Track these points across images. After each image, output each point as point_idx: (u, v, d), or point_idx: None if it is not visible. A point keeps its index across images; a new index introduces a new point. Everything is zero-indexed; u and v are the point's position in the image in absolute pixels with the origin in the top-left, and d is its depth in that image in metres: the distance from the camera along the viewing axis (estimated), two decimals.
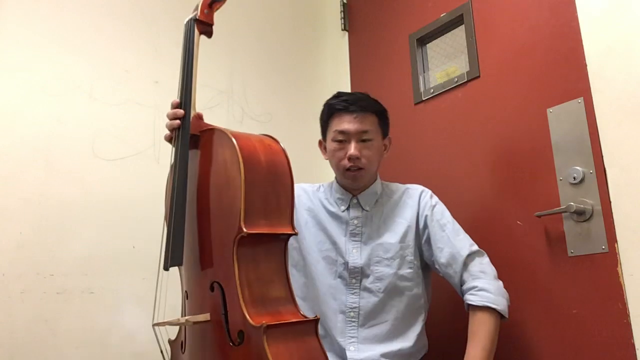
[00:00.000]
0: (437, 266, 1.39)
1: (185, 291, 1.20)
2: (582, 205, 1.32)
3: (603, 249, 1.29)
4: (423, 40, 1.91)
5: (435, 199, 1.46)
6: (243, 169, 1.05)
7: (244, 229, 1.01)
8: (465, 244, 1.37)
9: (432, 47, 1.89)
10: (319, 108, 1.48)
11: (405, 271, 1.38)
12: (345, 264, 1.39)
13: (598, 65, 1.34)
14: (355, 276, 1.38)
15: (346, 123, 1.38)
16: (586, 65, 1.36)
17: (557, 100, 1.42)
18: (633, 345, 1.21)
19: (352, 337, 1.35)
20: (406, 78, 1.92)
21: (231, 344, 1.01)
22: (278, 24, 2.23)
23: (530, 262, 1.45)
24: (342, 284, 1.38)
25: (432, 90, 1.83)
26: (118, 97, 1.74)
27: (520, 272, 1.45)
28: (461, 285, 1.34)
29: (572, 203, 1.33)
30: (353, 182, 1.42)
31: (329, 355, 1.25)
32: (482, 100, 1.65)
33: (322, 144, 1.50)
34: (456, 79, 1.74)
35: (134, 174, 1.72)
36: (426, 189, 1.48)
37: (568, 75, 1.41)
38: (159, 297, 1.21)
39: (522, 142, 1.51)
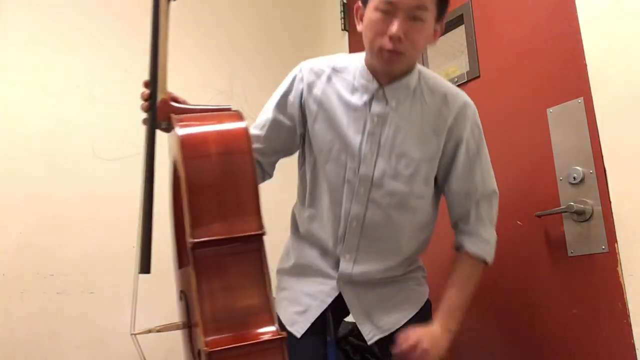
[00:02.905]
0: (445, 187, 1.26)
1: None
2: (582, 205, 1.32)
3: (603, 249, 1.28)
4: None
5: (476, 118, 1.26)
6: (184, 167, 0.90)
7: (191, 238, 0.87)
8: (488, 182, 1.25)
9: (432, 47, 1.89)
10: None
11: (421, 188, 1.22)
12: (356, 169, 1.19)
13: (598, 65, 1.34)
14: (364, 185, 1.19)
15: None
16: (586, 65, 1.36)
17: (557, 100, 1.42)
18: (633, 345, 1.21)
19: (351, 247, 1.21)
20: None
21: None
22: (278, 24, 2.24)
23: (530, 262, 1.45)
24: (349, 190, 1.20)
25: None
26: (118, 97, 1.74)
27: (520, 272, 1.45)
28: (460, 219, 1.25)
29: (572, 203, 1.33)
30: (385, 65, 1.15)
31: (323, 268, 1.23)
32: (482, 101, 1.64)
33: (359, 11, 1.19)
34: (456, 79, 1.74)
35: (134, 174, 1.71)
36: (469, 103, 1.25)
37: (568, 75, 1.41)
38: (136, 305, 1.13)
39: (522, 142, 1.51)
